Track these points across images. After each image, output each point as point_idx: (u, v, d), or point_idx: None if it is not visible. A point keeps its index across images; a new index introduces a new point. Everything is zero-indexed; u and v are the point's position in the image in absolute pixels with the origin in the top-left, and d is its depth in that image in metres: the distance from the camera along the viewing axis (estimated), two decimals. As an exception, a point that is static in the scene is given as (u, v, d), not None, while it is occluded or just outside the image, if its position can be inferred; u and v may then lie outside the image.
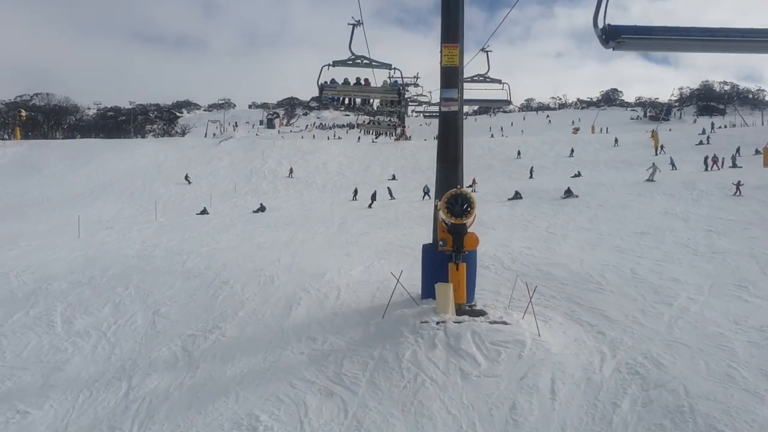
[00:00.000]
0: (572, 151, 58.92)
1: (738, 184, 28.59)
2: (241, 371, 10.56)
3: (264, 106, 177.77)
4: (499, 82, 21.52)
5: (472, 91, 20.37)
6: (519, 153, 58.89)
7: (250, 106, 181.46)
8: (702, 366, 9.98)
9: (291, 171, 55.49)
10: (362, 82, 19.68)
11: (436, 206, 12.65)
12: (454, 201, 11.62)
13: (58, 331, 13.05)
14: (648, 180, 34.90)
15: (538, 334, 10.91)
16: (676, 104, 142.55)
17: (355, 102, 20.07)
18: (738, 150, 49.96)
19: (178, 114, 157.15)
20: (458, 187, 12.33)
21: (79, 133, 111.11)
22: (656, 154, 53.77)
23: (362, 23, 16.51)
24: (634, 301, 13.36)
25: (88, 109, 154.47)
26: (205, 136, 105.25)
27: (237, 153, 63.89)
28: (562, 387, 9.55)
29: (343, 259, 18.12)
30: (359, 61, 16.97)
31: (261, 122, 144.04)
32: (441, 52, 13.56)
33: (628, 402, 9.11)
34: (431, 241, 13.66)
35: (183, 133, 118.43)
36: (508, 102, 22.51)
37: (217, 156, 63.13)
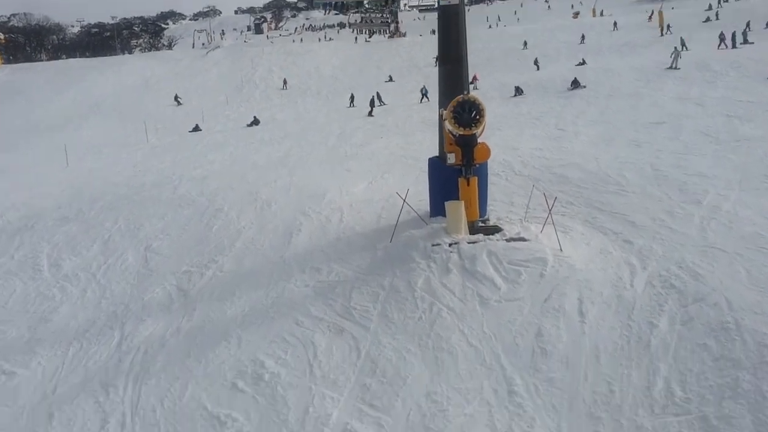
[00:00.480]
0: (583, 37, 56.05)
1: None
2: (241, 310, 9.76)
3: (251, 10, 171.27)
4: None
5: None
6: (525, 44, 55.86)
7: (236, 12, 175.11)
8: (743, 273, 9.09)
9: (285, 82, 53.05)
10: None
11: (440, 116, 11.46)
12: (461, 109, 10.40)
13: (45, 275, 12.24)
14: (671, 68, 31.08)
15: (560, 249, 10.00)
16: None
17: (347, 2, 19.11)
18: (748, 24, 47.52)
19: (163, 26, 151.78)
20: (465, 92, 11.08)
21: (64, 53, 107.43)
22: (662, 35, 51.34)
23: None
24: (660, 202, 12.38)
25: (72, 26, 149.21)
26: (193, 47, 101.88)
27: (225, 63, 61.48)
28: (591, 307, 8.72)
29: (343, 175, 17.05)
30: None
31: (248, 28, 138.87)
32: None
33: (666, 320, 8.30)
34: (437, 154, 12.56)
35: (170, 46, 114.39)
36: None
37: (205, 68, 60.80)
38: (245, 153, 24.25)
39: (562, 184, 14.28)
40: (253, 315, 9.55)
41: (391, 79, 51.06)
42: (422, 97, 36.24)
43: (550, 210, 10.61)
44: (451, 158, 10.69)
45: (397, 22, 67.19)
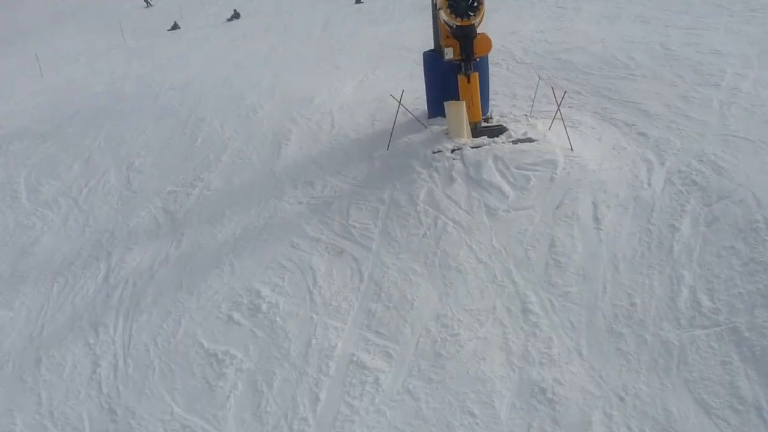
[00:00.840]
0: None
1: None
2: (233, 234, 9.16)
3: None
4: None
5: None
6: None
7: None
8: (770, 165, 8.43)
9: None
10: None
11: (434, 4, 10.36)
12: (456, -4, 9.33)
13: (23, 203, 11.55)
14: None
15: (570, 149, 9.27)
16: None
17: None
18: None
19: None
20: (461, -23, 9.92)
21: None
22: None
23: None
24: (673, 87, 11.50)
25: None
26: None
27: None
28: (607, 212, 8.12)
29: (332, 73, 15.97)
30: None
31: None
32: None
33: (689, 222, 7.71)
34: (432, 47, 11.54)
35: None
36: None
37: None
38: (226, 52, 22.85)
39: (567, 71, 13.32)
40: (246, 238, 8.95)
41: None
42: None
43: (558, 105, 9.77)
44: (449, 53, 9.72)
45: None
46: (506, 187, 8.67)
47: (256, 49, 22.13)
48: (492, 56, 13.29)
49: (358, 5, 30.26)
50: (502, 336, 6.79)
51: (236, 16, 34.24)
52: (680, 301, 6.81)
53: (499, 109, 11.69)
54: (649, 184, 8.48)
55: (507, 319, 6.98)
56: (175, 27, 35.07)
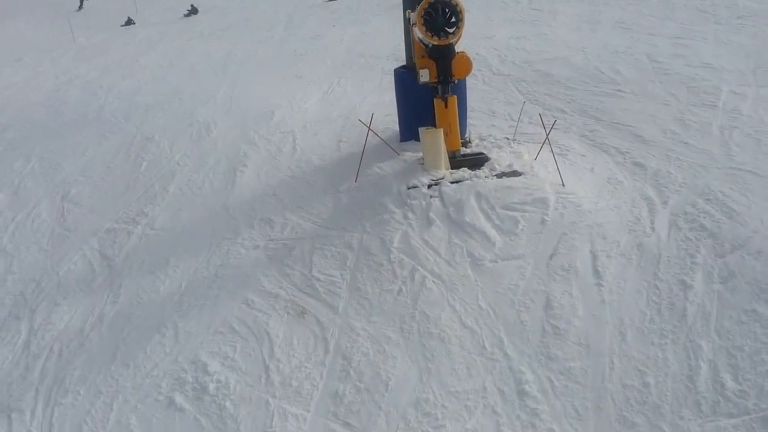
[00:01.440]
0: None
1: None
2: (178, 287, 7.92)
3: None
4: None
5: None
6: None
7: None
8: (786, 206, 7.51)
9: None
10: None
11: (408, 19, 9.22)
12: (433, 11, 8.20)
13: (-60, 242, 10.13)
14: None
15: (561, 184, 8.24)
16: None
17: None
18: None
19: None
20: (436, -9, 8.79)
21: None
22: None
23: None
24: (667, 106, 10.57)
25: None
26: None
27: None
28: (608, 264, 7.10)
29: (294, 83, 14.74)
30: None
31: None
32: None
33: (701, 278, 6.72)
34: (404, 63, 10.42)
35: None
36: None
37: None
38: (182, 53, 21.40)
39: (549, 85, 12.33)
40: (193, 293, 7.73)
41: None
42: None
43: (547, 135, 8.72)
44: (424, 75, 8.60)
45: None
46: (492, 232, 7.60)
47: (213, 51, 20.74)
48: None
49: (323, 2, 28.95)
50: (496, 428, 5.72)
51: (194, 11, 32.62)
52: (700, 381, 5.82)
53: (477, 130, 10.64)
54: (653, 229, 7.49)
55: (500, 404, 5.91)
56: (129, 22, 33.30)
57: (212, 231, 8.85)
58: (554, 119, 9.46)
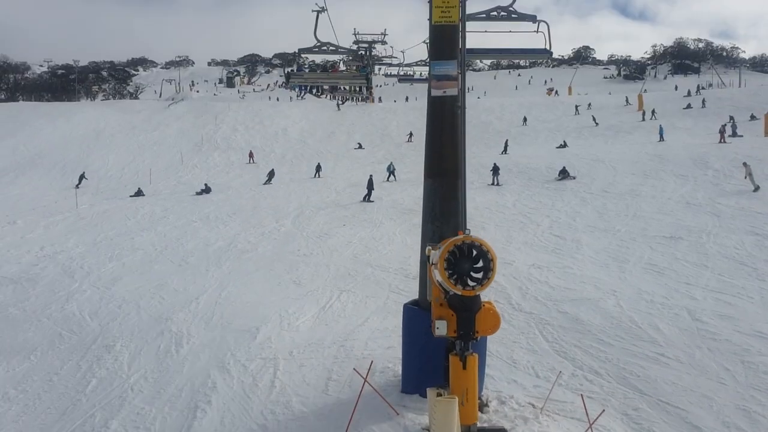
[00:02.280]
0: (577, 109, 54.56)
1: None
2: None
3: (224, 63, 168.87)
4: (533, 19, 12.95)
5: (486, 38, 13.13)
6: (525, 120, 52.78)
7: (209, 64, 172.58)
8: None
9: (251, 156, 45.32)
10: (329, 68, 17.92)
11: (426, 256, 7.82)
12: (458, 252, 6.80)
13: None
14: (755, 190, 21.78)
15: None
16: (650, 62, 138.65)
17: (322, 88, 21.28)
18: (731, 117, 45.57)
19: (133, 72, 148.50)
20: (464, 230, 7.48)
21: (22, 94, 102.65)
22: (643, 119, 49.42)
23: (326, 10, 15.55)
24: (723, 386, 8.83)
25: (40, 66, 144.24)
26: (160, 97, 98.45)
27: (188, 118, 57.94)
28: None
29: (290, 291, 13.26)
30: (325, 48, 22.57)
31: (220, 80, 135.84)
32: (430, 1, 8.68)
33: None
34: (417, 297, 8.91)
35: (136, 94, 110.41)
36: (547, 52, 14.18)
37: (165, 122, 57.11)
38: (180, 237, 20.27)
39: (578, 334, 10.73)
40: None
41: (360, 146, 47.99)
42: (389, 175, 32.64)
43: (590, 425, 6.89)
44: (441, 328, 7.02)
45: (371, 88, 64.30)
46: None
47: (213, 239, 19.61)
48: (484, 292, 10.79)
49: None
50: None
51: (207, 190, 32.22)
52: None
53: (495, 385, 8.88)
54: None
55: None
56: (138, 194, 32.91)
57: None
58: (602, 410, 7.65)
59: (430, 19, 8.73)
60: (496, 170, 28.88)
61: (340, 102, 59.75)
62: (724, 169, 26.09)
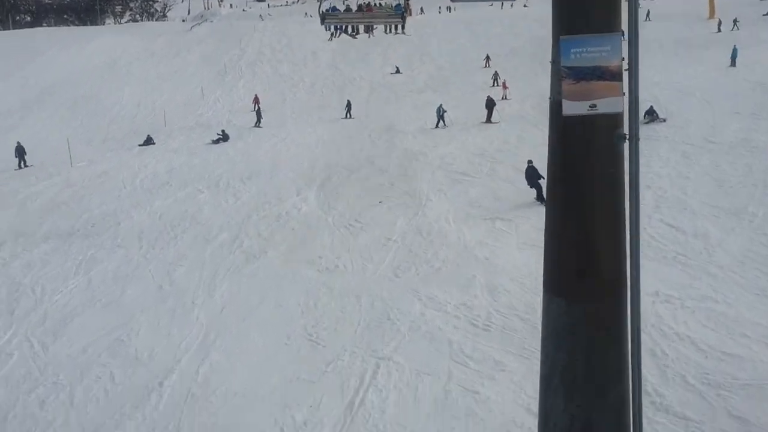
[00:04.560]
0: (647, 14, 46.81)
1: None
2: None
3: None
4: None
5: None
6: None
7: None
8: None
9: (256, 102, 34.66)
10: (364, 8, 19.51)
11: None
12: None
13: None
14: None
15: None
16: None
17: (358, 28, 20.36)
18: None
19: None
20: None
21: (46, 17, 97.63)
22: (719, 30, 41.32)
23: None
24: None
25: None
26: (188, 14, 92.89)
27: (210, 42, 52.97)
28: None
29: (300, 363, 8.86)
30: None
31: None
32: None
33: None
34: None
35: (164, 12, 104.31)
36: None
37: (187, 47, 52.26)
38: (178, 219, 16.08)
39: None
40: None
41: (398, 71, 42.64)
42: (438, 121, 26.48)
43: None
44: None
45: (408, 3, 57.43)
46: None
47: (217, 227, 15.35)
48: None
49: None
50: None
51: (224, 138, 27.75)
52: None
53: None
54: None
55: None
56: (148, 142, 28.70)
57: None
58: None
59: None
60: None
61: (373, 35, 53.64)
62: None
